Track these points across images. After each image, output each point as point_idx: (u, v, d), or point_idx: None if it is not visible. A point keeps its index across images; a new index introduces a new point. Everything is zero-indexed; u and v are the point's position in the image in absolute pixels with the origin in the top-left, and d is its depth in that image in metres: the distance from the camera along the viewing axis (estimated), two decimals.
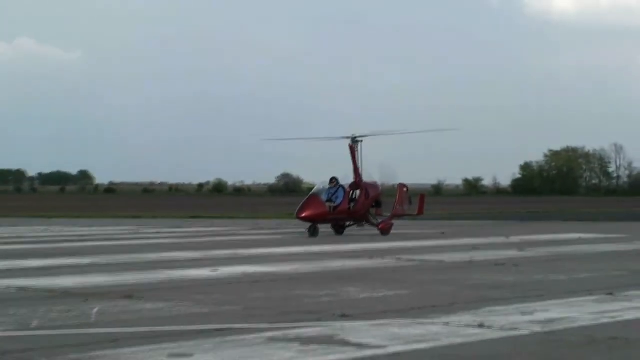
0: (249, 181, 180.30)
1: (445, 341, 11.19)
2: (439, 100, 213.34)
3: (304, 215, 35.42)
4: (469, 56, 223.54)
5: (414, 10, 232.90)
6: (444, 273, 20.20)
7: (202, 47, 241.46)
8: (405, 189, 39.38)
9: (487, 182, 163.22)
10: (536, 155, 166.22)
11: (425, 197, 42.36)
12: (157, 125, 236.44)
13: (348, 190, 36.69)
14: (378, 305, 14.51)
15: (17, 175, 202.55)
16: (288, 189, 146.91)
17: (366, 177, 37.57)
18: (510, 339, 11.45)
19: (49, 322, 12.65)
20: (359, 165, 37.29)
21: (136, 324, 12.40)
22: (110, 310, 13.81)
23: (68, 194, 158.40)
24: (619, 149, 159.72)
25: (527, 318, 13.06)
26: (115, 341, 11.04)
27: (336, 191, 36.27)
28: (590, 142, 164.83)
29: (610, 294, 15.98)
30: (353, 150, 37.25)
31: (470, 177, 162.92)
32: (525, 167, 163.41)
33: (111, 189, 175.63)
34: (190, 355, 10.19)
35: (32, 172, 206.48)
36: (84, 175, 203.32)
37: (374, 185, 37.93)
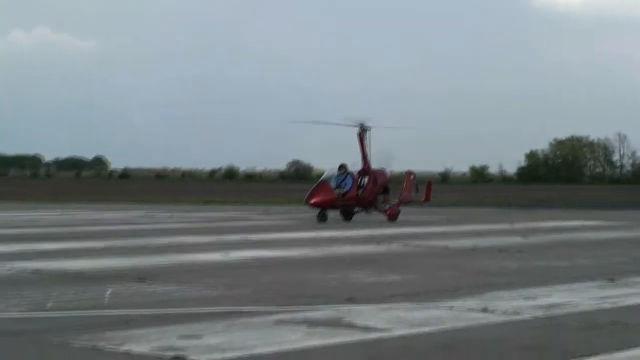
0: (260, 167, 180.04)
1: (449, 325, 11.21)
2: (446, 89, 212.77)
3: (313, 201, 35.46)
4: (475, 46, 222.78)
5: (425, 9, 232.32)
6: (449, 259, 20.21)
7: (213, 41, 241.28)
8: (412, 176, 39.39)
9: (493, 169, 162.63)
10: (541, 144, 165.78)
11: (432, 184, 42.39)
12: (171, 113, 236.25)
13: (356, 177, 36.70)
14: (384, 290, 14.54)
15: (34, 161, 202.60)
16: (298, 176, 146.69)
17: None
18: (512, 323, 11.47)
19: (63, 304, 12.69)
20: (368, 152, 37.28)
21: (148, 306, 12.44)
22: (123, 293, 13.86)
23: (83, 179, 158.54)
24: (622, 138, 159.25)
25: (529, 303, 13.07)
26: (127, 322, 11.09)
27: (345, 178, 36.27)
28: (594, 132, 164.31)
29: (612, 280, 15.99)
30: (362, 138, 37.24)
31: (477, 164, 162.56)
32: (531, 156, 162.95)
33: (125, 175, 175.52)
34: (200, 336, 10.22)
35: (48, 157, 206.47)
36: (99, 161, 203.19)
37: (381, 173, 37.93)
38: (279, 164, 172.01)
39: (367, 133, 37.31)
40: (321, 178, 37.33)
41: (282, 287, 14.82)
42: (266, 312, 11.99)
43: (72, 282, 15.18)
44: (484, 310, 12.35)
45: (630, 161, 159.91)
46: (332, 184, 36.02)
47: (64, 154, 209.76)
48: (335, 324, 11.19)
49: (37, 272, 16.66)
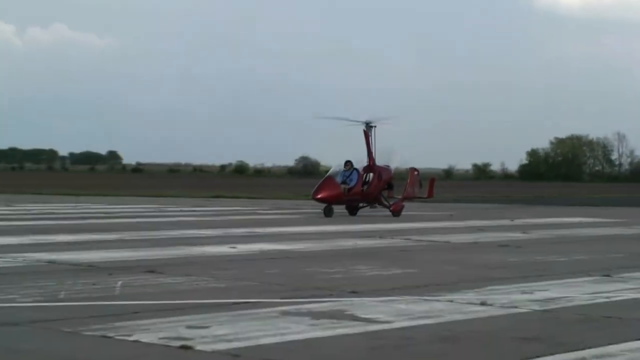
0: (269, 163, 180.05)
1: (448, 317, 11.24)
2: (449, 90, 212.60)
3: (319, 196, 35.50)
4: (477, 47, 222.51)
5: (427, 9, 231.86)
6: (450, 253, 20.22)
7: (227, 39, 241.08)
8: (416, 173, 39.42)
9: (495, 167, 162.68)
10: (542, 142, 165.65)
11: (436, 181, 42.37)
12: (183, 109, 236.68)
13: (362, 173, 36.77)
14: (386, 283, 14.57)
15: (50, 155, 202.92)
16: (306, 171, 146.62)
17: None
18: (510, 316, 11.50)
19: (75, 294, 12.74)
20: (373, 149, 37.32)
21: (157, 297, 12.48)
22: (133, 284, 13.90)
23: (97, 173, 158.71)
24: (621, 137, 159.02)
25: (526, 297, 13.09)
26: (136, 313, 11.13)
27: (350, 174, 36.30)
28: (594, 131, 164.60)
29: (607, 275, 16.00)
30: (367, 135, 37.28)
31: (479, 162, 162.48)
32: (532, 154, 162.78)
33: (138, 169, 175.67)
34: (207, 326, 10.26)
35: (63, 152, 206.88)
36: (113, 155, 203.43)
37: (386, 169, 37.97)
38: (288, 160, 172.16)
39: (373, 130, 37.38)
40: (327, 174, 37.37)
41: (288, 279, 14.85)
42: (271, 303, 12.02)
43: (84, 273, 15.23)
44: (483, 303, 12.37)
45: (629, 160, 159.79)
46: (338, 179, 36.07)
47: (79, 148, 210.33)
48: (338, 315, 11.22)
49: (51, 263, 16.72)
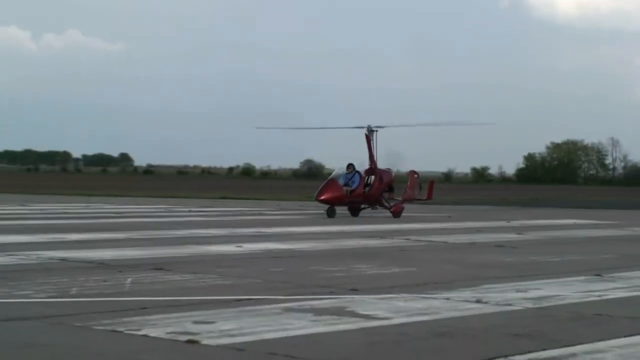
0: (275, 166, 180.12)
1: (445, 314, 11.28)
2: (450, 96, 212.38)
3: (322, 198, 35.54)
4: (477, 52, 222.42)
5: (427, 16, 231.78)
6: (448, 253, 20.24)
7: (235, 40, 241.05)
8: (416, 176, 39.45)
9: (493, 170, 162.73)
10: (539, 147, 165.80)
11: (435, 184, 42.39)
12: (192, 113, 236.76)
13: (363, 175, 36.80)
14: (386, 281, 14.59)
15: (63, 157, 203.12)
16: (311, 174, 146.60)
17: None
18: (504, 313, 11.52)
19: (86, 290, 12.79)
20: (374, 152, 37.35)
21: (165, 294, 12.53)
22: (142, 281, 13.94)
23: (109, 175, 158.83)
24: (615, 142, 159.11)
25: (520, 295, 13.12)
26: (145, 308, 11.17)
27: (353, 176, 36.34)
28: (589, 136, 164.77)
29: (599, 274, 16.02)
30: (369, 139, 37.31)
31: (478, 166, 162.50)
32: (529, 158, 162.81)
33: (149, 171, 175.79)
34: (213, 322, 10.30)
35: (77, 154, 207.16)
36: (125, 158, 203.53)
37: (387, 172, 38.02)
38: (293, 163, 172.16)
39: (374, 134, 37.42)
40: (330, 176, 37.39)
41: (291, 277, 14.88)
42: (275, 300, 12.06)
43: (95, 270, 15.28)
44: (478, 301, 12.40)
45: (622, 164, 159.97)
46: (341, 181, 36.11)
47: (92, 150, 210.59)
48: (339, 312, 11.26)
49: (63, 260, 16.77)
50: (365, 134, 37.30)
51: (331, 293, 12.95)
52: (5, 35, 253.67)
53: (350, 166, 36.63)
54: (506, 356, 8.83)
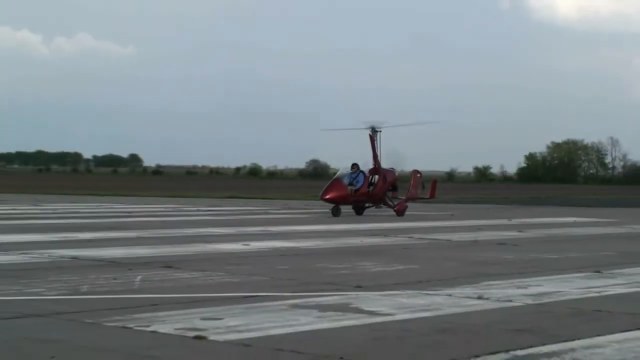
0: (281, 166, 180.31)
1: (447, 310, 11.28)
2: (450, 96, 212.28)
3: (327, 197, 35.56)
4: (478, 51, 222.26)
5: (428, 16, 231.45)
6: (450, 251, 20.25)
7: (243, 44, 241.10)
8: (419, 175, 39.46)
9: (495, 170, 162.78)
10: (540, 147, 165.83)
11: (437, 183, 42.39)
12: (200, 115, 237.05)
13: (368, 175, 36.81)
14: (389, 278, 14.60)
15: (74, 158, 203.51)
16: (316, 174, 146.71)
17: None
18: (505, 309, 11.52)
19: (97, 288, 12.82)
20: (378, 152, 37.37)
21: (174, 291, 12.55)
22: (152, 278, 13.97)
23: (119, 175, 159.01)
24: (614, 142, 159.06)
25: (521, 291, 13.12)
26: (154, 305, 11.20)
27: (357, 176, 36.36)
28: (589, 136, 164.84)
29: (598, 271, 16.01)
30: (373, 139, 37.32)
31: (480, 165, 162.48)
32: (530, 157, 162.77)
33: (158, 171, 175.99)
34: (221, 318, 10.32)
35: (87, 154, 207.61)
36: (134, 158, 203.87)
37: (391, 171, 38.03)
38: (299, 163, 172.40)
39: (378, 134, 37.42)
40: (335, 176, 37.42)
41: (297, 275, 14.89)
42: (282, 297, 12.07)
43: (105, 268, 15.31)
44: (480, 297, 12.41)
45: (622, 163, 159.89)
46: (346, 181, 36.14)
47: (102, 151, 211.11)
48: (343, 308, 11.27)
49: (74, 259, 16.81)
50: (369, 135, 37.31)
51: (336, 290, 12.96)
52: (17, 39, 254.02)
53: (355, 166, 36.65)
54: (507, 351, 8.83)
